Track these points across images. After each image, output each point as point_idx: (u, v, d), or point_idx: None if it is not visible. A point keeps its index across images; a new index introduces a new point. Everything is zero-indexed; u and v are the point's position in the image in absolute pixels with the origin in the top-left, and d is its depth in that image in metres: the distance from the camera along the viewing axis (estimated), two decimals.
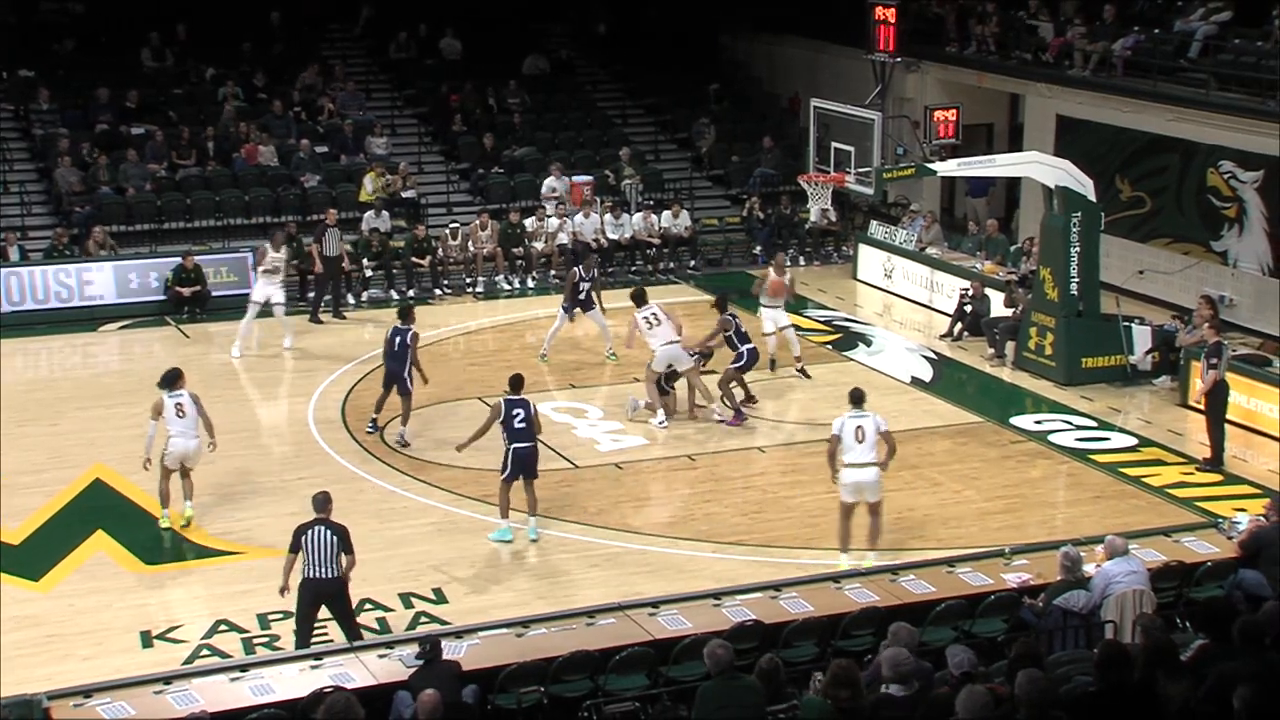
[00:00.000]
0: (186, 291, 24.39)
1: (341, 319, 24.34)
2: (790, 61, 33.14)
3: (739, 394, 19.73)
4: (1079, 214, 20.87)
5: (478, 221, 26.41)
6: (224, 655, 13.23)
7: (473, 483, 17.25)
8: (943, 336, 23.52)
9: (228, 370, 21.80)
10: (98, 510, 16.74)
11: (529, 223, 26.80)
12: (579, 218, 27.04)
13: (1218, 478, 17.77)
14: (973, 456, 18.50)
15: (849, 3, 28.94)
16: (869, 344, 23.33)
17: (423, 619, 14.05)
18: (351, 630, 12.81)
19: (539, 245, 26.62)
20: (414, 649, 11.21)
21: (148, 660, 13.17)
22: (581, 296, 21.75)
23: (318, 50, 31.83)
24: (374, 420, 18.89)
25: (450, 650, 11.19)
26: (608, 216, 27.34)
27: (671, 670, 11.33)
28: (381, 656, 11.38)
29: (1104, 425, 19.64)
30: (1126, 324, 21.29)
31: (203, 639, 13.70)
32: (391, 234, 26.57)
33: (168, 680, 11.04)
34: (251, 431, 19.89)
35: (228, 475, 17.58)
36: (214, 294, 24.41)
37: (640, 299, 19.63)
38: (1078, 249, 20.88)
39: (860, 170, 22.04)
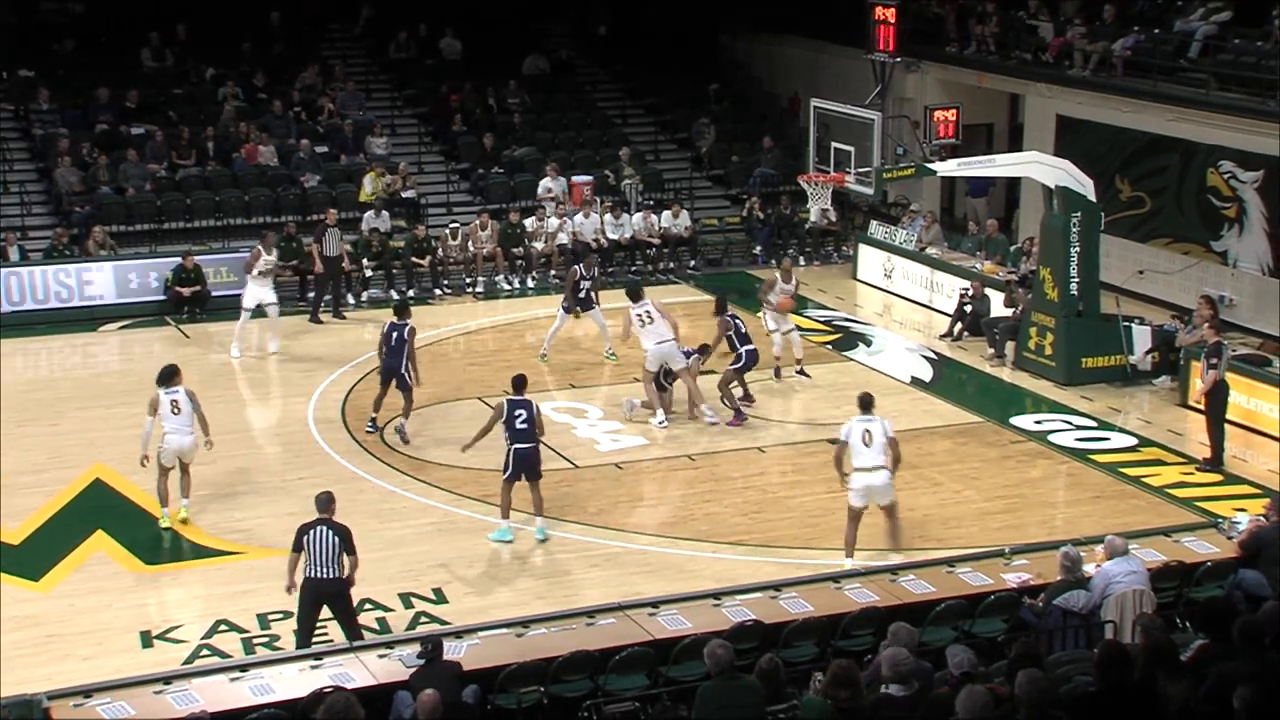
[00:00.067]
0: (186, 291, 24.39)
1: (341, 319, 24.34)
2: (790, 61, 33.14)
3: (737, 393, 19.72)
4: (1079, 214, 20.87)
5: (478, 221, 26.41)
6: (224, 655, 13.23)
7: (473, 483, 17.25)
8: (943, 336, 23.52)
9: (227, 370, 21.81)
10: (98, 510, 16.75)
11: (529, 223, 26.80)
12: (579, 218, 27.03)
13: (1218, 478, 17.76)
14: (973, 456, 18.50)
15: (849, 3, 28.94)
16: (869, 344, 23.33)
17: (423, 619, 14.05)
18: (352, 631, 12.80)
19: (539, 245, 26.62)
20: (414, 649, 11.21)
21: (148, 660, 13.17)
22: (582, 296, 21.75)
23: (318, 50, 31.83)
24: (373, 420, 18.89)
25: (450, 650, 11.19)
26: (608, 216, 27.34)
27: (671, 670, 11.32)
28: (381, 656, 11.37)
29: (1104, 425, 19.64)
30: (1126, 324, 21.29)
31: (203, 639, 13.70)
32: (391, 234, 26.57)
33: (168, 680, 11.03)
34: (251, 431, 19.93)
35: (228, 475, 17.60)
36: (214, 294, 24.40)
37: (635, 295, 19.61)
38: (1078, 249, 20.88)
39: (860, 170, 22.04)
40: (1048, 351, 21.32)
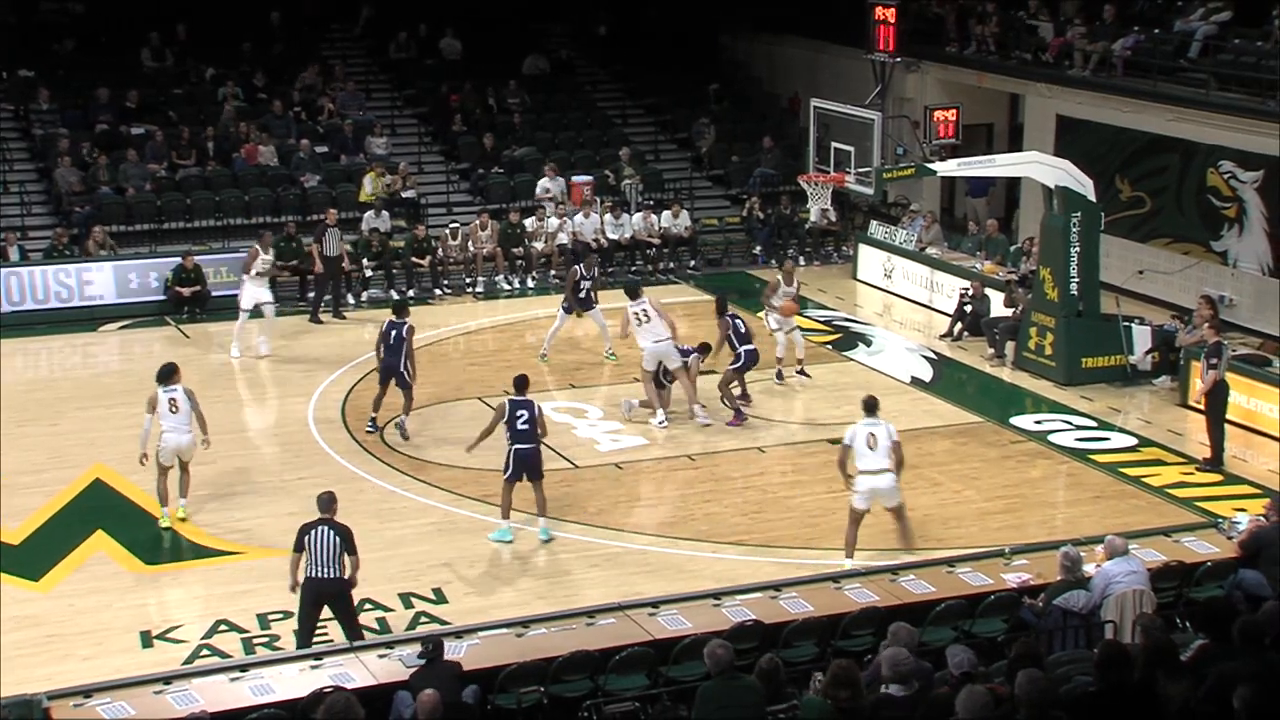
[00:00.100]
0: (186, 291, 24.40)
1: (341, 319, 24.34)
2: (790, 61, 33.14)
3: (735, 393, 19.70)
4: (1079, 214, 20.86)
5: (478, 221, 26.41)
6: (224, 655, 13.23)
7: (473, 483, 17.25)
8: (943, 336, 23.52)
9: (227, 370, 21.81)
10: (98, 510, 16.74)
11: (529, 223, 26.80)
12: (579, 218, 27.03)
13: (1218, 478, 17.76)
14: (973, 456, 18.50)
15: (849, 3, 28.94)
16: (869, 344, 23.33)
17: (423, 619, 14.05)
18: (353, 631, 12.80)
19: (539, 245, 26.62)
20: (414, 649, 11.21)
21: (148, 660, 13.17)
22: (582, 295, 21.75)
23: (318, 50, 31.83)
24: (373, 420, 18.89)
25: (450, 650, 11.19)
26: (608, 216, 27.34)
27: (671, 670, 11.32)
28: (381, 656, 11.37)
29: (1104, 425, 19.64)
30: (1126, 324, 21.29)
31: (203, 639, 13.70)
32: (391, 234, 26.57)
33: (168, 680, 11.03)
34: (251, 431, 19.94)
35: (228, 475, 17.60)
36: (214, 294, 24.39)
37: (633, 293, 19.60)
38: (1078, 249, 20.88)
39: (860, 170, 22.04)
40: (1048, 351, 21.32)
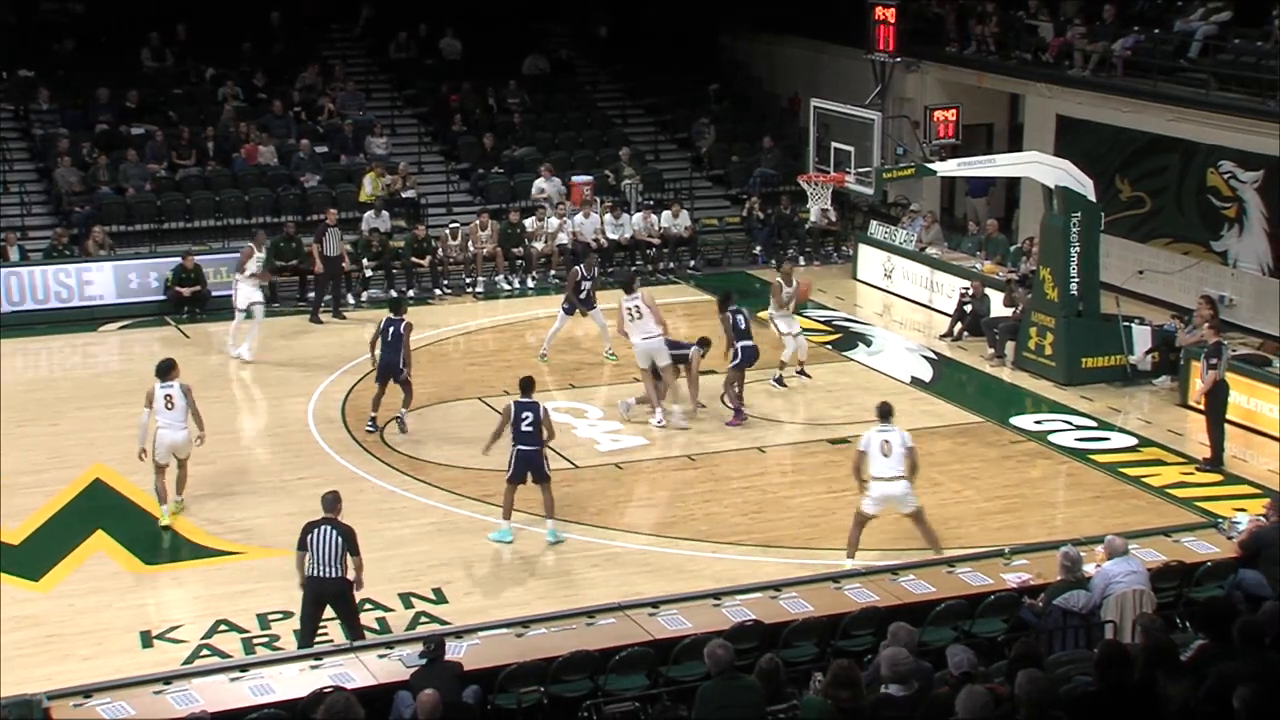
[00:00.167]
0: (186, 291, 24.40)
1: (341, 319, 24.34)
2: (790, 61, 33.14)
3: (736, 391, 19.65)
4: (1079, 214, 20.86)
5: (478, 221, 26.41)
6: (224, 655, 13.22)
7: (473, 483, 17.26)
8: (943, 336, 23.52)
9: (228, 370, 21.78)
10: (98, 510, 16.74)
11: (529, 223, 26.80)
12: (579, 218, 27.04)
13: (1218, 478, 17.76)
14: (973, 456, 18.50)
15: (849, 3, 28.93)
16: (869, 344, 23.33)
17: (423, 619, 14.05)
18: (354, 630, 12.81)
19: (539, 245, 26.62)
20: (414, 649, 11.21)
21: (148, 660, 13.17)
22: (583, 295, 21.75)
23: (318, 50, 31.83)
24: (373, 419, 18.90)
25: (450, 650, 11.19)
26: (608, 216, 27.34)
27: (671, 670, 11.32)
28: (381, 656, 11.37)
29: (1104, 425, 19.64)
30: (1126, 324, 21.29)
31: (203, 639, 13.70)
32: (391, 234, 26.57)
33: (168, 680, 11.03)
34: (252, 431, 19.94)
35: (228, 475, 17.60)
36: (214, 294, 24.38)
37: (628, 287, 19.59)
38: (1078, 249, 20.88)
39: (860, 170, 22.04)
40: (1048, 351, 21.32)
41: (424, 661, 10.89)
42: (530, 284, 26.33)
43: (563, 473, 17.56)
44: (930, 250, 25.77)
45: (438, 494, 17.13)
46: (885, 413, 14.95)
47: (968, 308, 23.39)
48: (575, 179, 28.43)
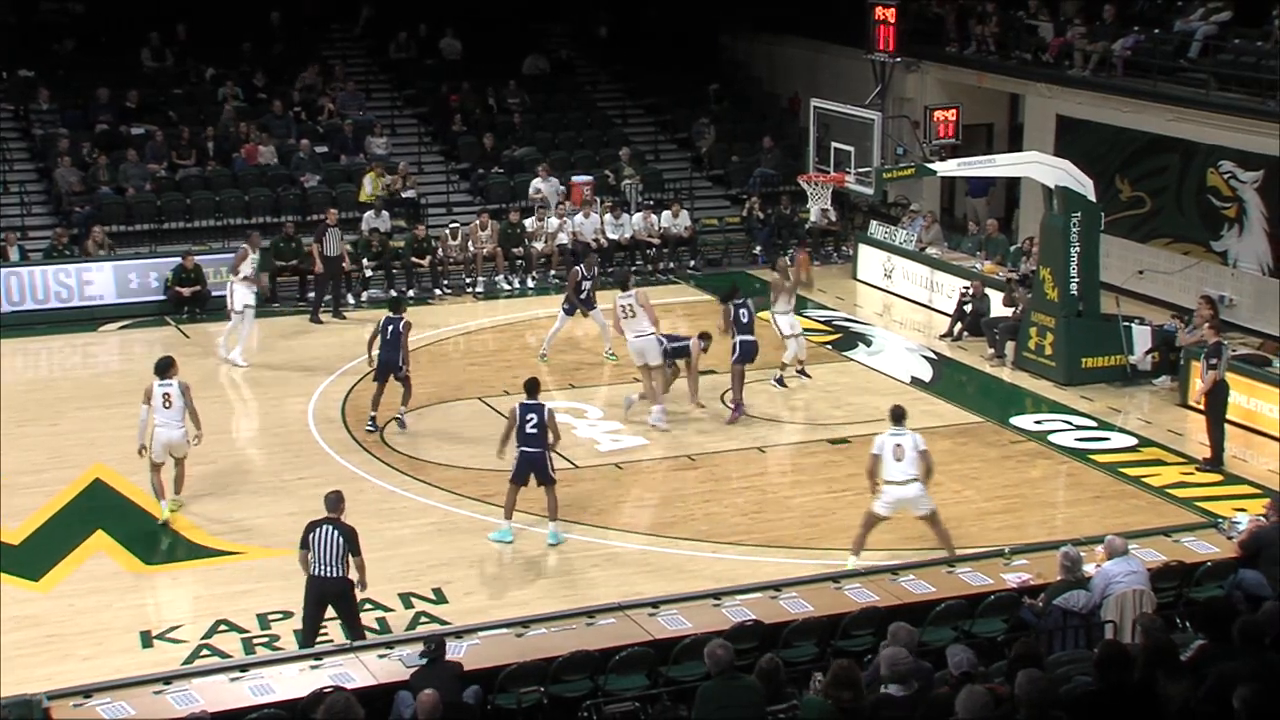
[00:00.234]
0: (186, 291, 24.41)
1: (342, 319, 24.33)
2: (790, 61, 33.14)
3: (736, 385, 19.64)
4: (1079, 214, 20.86)
5: (478, 221, 26.41)
6: (224, 655, 13.22)
7: (473, 483, 17.27)
8: (943, 336, 23.52)
9: (227, 370, 21.76)
10: (98, 510, 16.74)
11: (529, 223, 26.81)
12: (579, 218, 27.04)
13: (1218, 478, 17.76)
14: (973, 456, 18.49)
15: (849, 3, 28.94)
16: (869, 344, 23.33)
17: (423, 619, 14.05)
18: (355, 630, 12.81)
19: (539, 245, 26.62)
20: (414, 649, 11.21)
21: (148, 660, 13.16)
22: (583, 295, 21.74)
23: (318, 50, 31.83)
24: (373, 419, 18.91)
25: (450, 650, 11.18)
26: (608, 216, 27.34)
27: (671, 670, 11.32)
28: (381, 656, 11.37)
29: (1104, 425, 19.64)
30: (1126, 324, 21.29)
31: (203, 639, 13.70)
32: (391, 234, 26.57)
33: (168, 680, 11.03)
34: (251, 431, 19.93)
35: (228, 474, 17.60)
36: (214, 294, 24.37)
37: (623, 284, 19.60)
38: (1078, 249, 20.88)
39: (860, 170, 22.03)
40: (1048, 351, 21.32)
41: (424, 661, 10.89)
42: (530, 284, 26.33)
43: (563, 473, 17.51)
44: (930, 250, 25.78)
45: (438, 494, 17.13)
46: (898, 416, 14.89)
47: (968, 308, 23.39)
48: (575, 179, 28.42)
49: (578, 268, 22.21)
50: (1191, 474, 17.90)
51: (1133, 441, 19.07)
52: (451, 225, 26.62)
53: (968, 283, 23.82)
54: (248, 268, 22.10)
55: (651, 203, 28.58)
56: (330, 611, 12.90)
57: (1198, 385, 18.83)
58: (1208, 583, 12.72)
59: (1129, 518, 16.21)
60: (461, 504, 16.82)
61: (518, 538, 15.84)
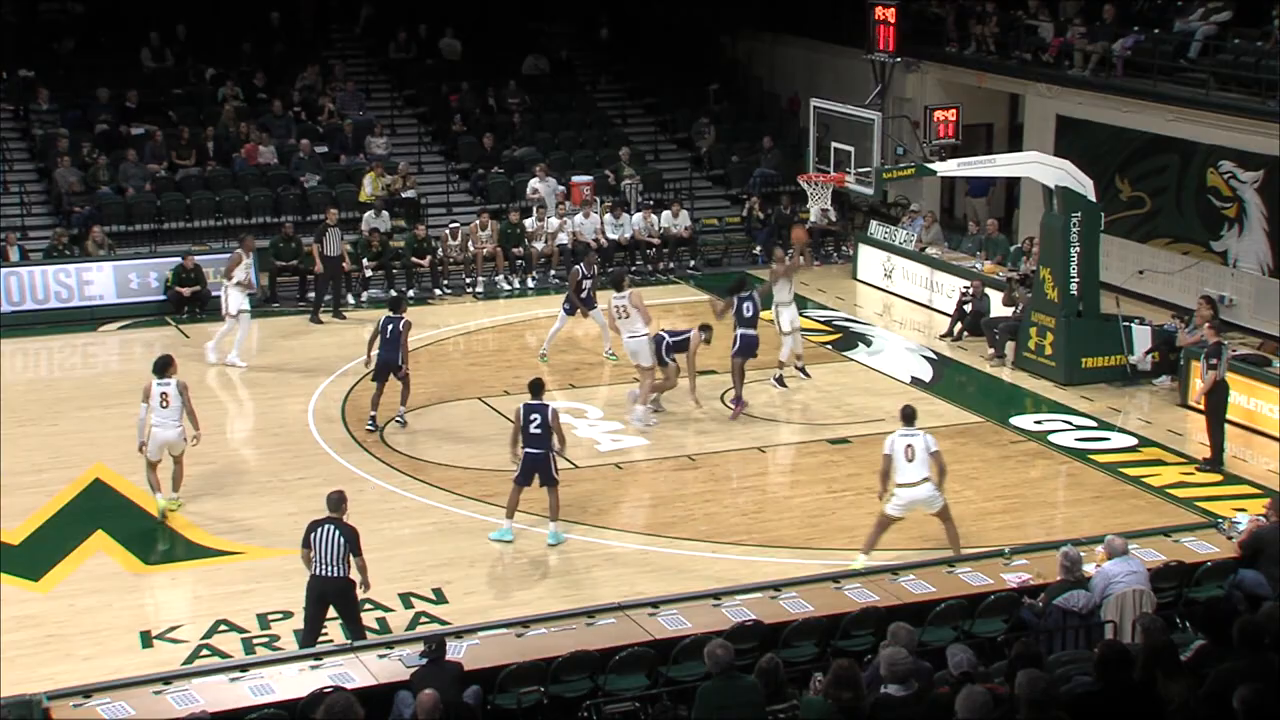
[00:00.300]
0: (186, 291, 24.41)
1: (341, 319, 24.33)
2: (790, 61, 33.14)
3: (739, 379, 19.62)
4: (1079, 214, 20.86)
5: (478, 221, 26.41)
6: (224, 655, 13.22)
7: (473, 483, 17.27)
8: (943, 336, 23.52)
9: (227, 370, 21.75)
10: (98, 510, 16.74)
11: (529, 223, 26.81)
12: (579, 218, 27.04)
13: (1218, 478, 17.76)
14: (973, 456, 18.49)
15: (849, 3, 28.94)
16: (869, 344, 23.33)
17: (423, 619, 14.05)
18: (355, 630, 12.81)
19: (539, 245, 26.62)
20: (414, 649, 11.21)
21: (148, 660, 13.16)
22: (584, 295, 21.74)
23: (318, 50, 31.83)
24: (373, 418, 18.91)
25: (450, 650, 11.18)
26: (608, 216, 27.35)
27: (671, 670, 11.32)
28: (381, 656, 11.37)
29: (1104, 425, 19.64)
30: (1126, 324, 21.29)
31: (203, 639, 13.69)
32: (391, 234, 26.58)
33: (168, 680, 11.02)
34: (251, 431, 19.92)
35: (228, 474, 17.60)
36: (214, 294, 24.33)
37: (617, 284, 19.59)
38: (1078, 249, 20.88)
39: (860, 170, 22.03)
40: (1048, 351, 21.32)
41: (424, 661, 10.89)
42: (530, 284, 26.33)
43: (563, 473, 17.52)
44: (930, 250, 25.78)
45: (438, 494, 17.13)
46: (909, 416, 14.89)
47: (968, 307, 23.39)
48: (575, 179, 28.43)
49: (578, 267, 22.21)
50: (1191, 474, 17.90)
51: (1133, 441, 19.07)
52: (451, 225, 26.63)
53: (968, 283, 23.82)
54: (241, 272, 21.99)
55: (651, 203, 28.58)
56: (331, 611, 12.89)
57: (1198, 385, 18.83)
58: (1208, 583, 12.72)
59: (1129, 518, 16.21)
60: (462, 504, 16.82)
61: (519, 538, 15.84)
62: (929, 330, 24.12)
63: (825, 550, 15.51)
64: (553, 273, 26.45)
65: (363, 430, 18.91)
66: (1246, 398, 19.03)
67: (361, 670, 11.13)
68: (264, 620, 13.98)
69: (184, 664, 12.92)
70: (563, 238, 26.70)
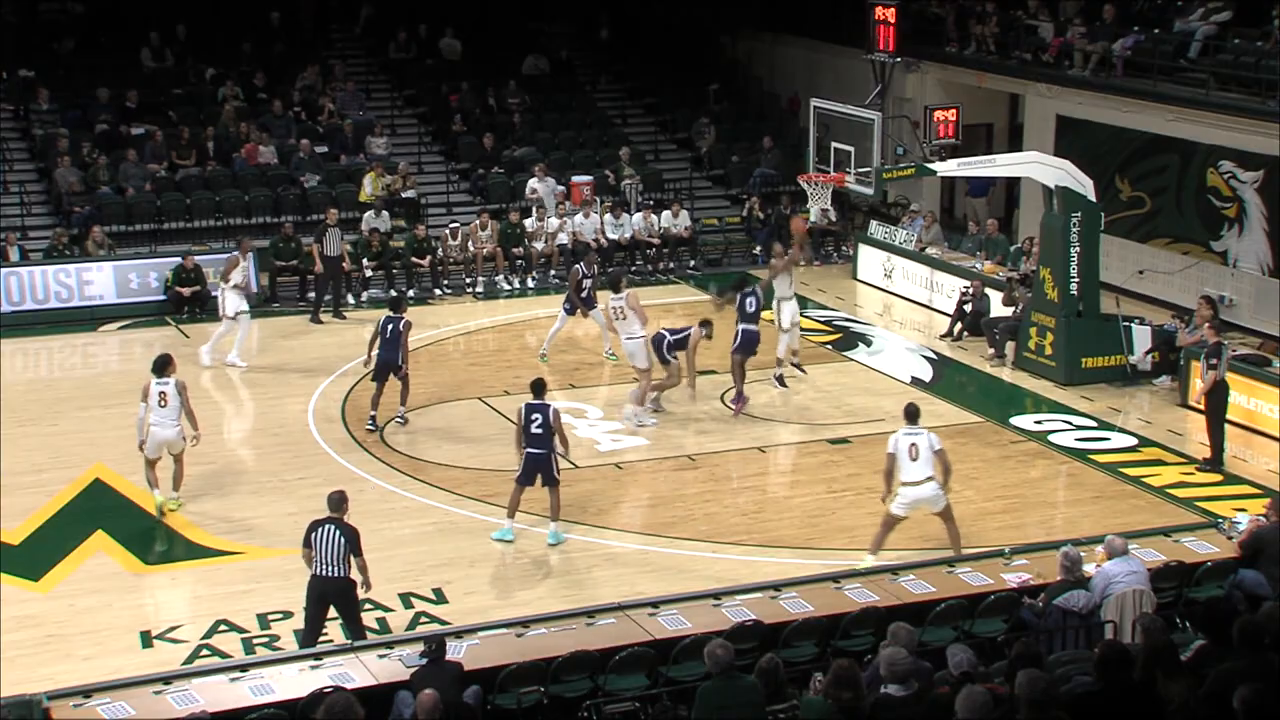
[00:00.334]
0: (186, 292, 24.42)
1: (342, 319, 24.33)
2: (790, 61, 33.14)
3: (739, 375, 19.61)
4: (1079, 214, 20.86)
5: (478, 221, 26.42)
6: (224, 655, 13.22)
7: (473, 483, 17.27)
8: (943, 336, 23.52)
9: (227, 370, 21.75)
10: (98, 510, 16.74)
11: (529, 223, 26.81)
12: (579, 218, 27.04)
13: (1218, 478, 17.76)
14: (973, 456, 18.48)
15: (849, 3, 28.94)
16: (869, 344, 23.33)
17: (423, 619, 14.05)
18: (355, 630, 12.81)
19: (539, 245, 26.63)
20: (414, 649, 11.21)
21: (148, 660, 13.16)
22: (585, 295, 21.74)
23: (318, 50, 31.83)
24: (373, 418, 18.91)
25: (450, 650, 11.18)
26: (608, 216, 27.35)
27: (671, 670, 11.32)
28: (381, 656, 11.37)
29: (1104, 425, 19.64)
30: (1126, 324, 21.29)
31: (203, 639, 13.69)
32: (391, 234, 26.58)
33: (168, 680, 11.02)
34: (251, 431, 19.92)
35: (227, 474, 17.60)
36: (214, 294, 24.34)
37: (615, 286, 19.59)
38: (1078, 249, 20.88)
39: (860, 170, 22.03)
40: (1048, 351, 21.32)
41: (424, 661, 10.89)
42: (530, 284, 26.34)
43: (563, 473, 17.54)
44: (930, 250, 25.78)
45: (438, 494, 17.13)
46: (912, 415, 14.87)
47: (968, 307, 23.39)
48: (575, 179, 28.43)
49: (578, 266, 22.20)
50: (1191, 474, 17.90)
51: (1133, 441, 19.07)
52: (451, 225, 26.63)
53: (968, 283, 23.82)
54: (239, 275, 21.96)
55: (651, 203, 28.58)
56: (331, 611, 12.89)
57: (1198, 385, 18.83)
58: (1208, 583, 12.71)
59: (1129, 518, 16.21)
60: (462, 504, 16.82)
61: (519, 537, 15.84)
62: (929, 330, 24.12)
63: (825, 550, 15.51)
64: (553, 273, 26.45)
65: (363, 430, 18.91)
66: (1246, 398, 19.03)
67: (361, 670, 11.13)
68: (264, 620, 13.98)
69: (184, 664, 12.92)
70: (563, 238, 26.70)
